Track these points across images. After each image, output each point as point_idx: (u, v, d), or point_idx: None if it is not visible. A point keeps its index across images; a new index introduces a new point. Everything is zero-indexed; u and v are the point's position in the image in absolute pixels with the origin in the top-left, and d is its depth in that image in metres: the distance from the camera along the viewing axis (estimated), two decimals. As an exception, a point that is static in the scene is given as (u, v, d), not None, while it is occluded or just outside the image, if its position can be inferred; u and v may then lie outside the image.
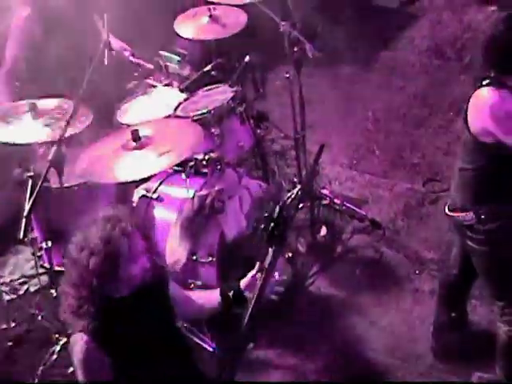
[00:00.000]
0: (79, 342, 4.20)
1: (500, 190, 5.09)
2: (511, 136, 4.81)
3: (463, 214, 5.20)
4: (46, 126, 5.75)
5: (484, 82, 4.88)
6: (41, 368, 5.91)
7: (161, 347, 4.47)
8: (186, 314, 4.87)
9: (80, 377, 4.22)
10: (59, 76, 6.41)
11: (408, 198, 7.16)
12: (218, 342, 5.59)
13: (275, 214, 4.66)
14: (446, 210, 5.34)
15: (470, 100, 4.94)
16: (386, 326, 6.21)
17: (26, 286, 6.43)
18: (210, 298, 4.78)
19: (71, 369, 5.43)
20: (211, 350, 5.67)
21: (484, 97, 4.86)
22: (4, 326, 6.25)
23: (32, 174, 5.89)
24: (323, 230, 6.88)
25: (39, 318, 6.17)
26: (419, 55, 8.61)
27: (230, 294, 4.59)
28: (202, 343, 5.77)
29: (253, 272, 4.51)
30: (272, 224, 4.53)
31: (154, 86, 6.74)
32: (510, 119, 4.80)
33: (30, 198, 5.69)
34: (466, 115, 4.94)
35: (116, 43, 6.76)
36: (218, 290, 4.69)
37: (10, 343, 6.17)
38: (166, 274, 4.64)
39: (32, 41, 6.49)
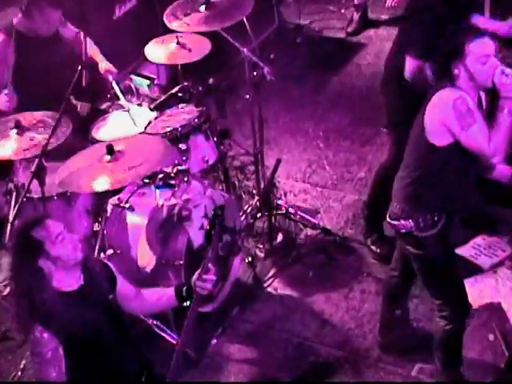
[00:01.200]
0: (37, 334, 4.29)
1: (437, 198, 5.12)
2: (467, 131, 4.86)
3: (403, 221, 5.24)
4: (30, 140, 5.76)
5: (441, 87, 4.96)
6: (23, 362, 5.92)
7: (102, 341, 4.49)
8: (140, 308, 4.94)
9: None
10: (36, 93, 6.42)
11: (356, 208, 7.15)
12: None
13: (211, 217, 4.76)
14: (388, 218, 5.38)
15: (431, 102, 4.97)
16: (336, 323, 6.23)
17: (8, 288, 6.39)
18: (166, 294, 4.80)
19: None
20: (174, 342, 5.68)
21: (448, 95, 4.91)
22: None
23: (16, 184, 5.95)
24: (280, 237, 6.87)
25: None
26: (364, 80, 8.64)
27: (183, 289, 4.62)
28: (167, 336, 5.79)
29: (199, 270, 4.55)
30: (210, 226, 4.64)
31: (126, 107, 6.64)
32: (468, 114, 4.84)
33: (14, 207, 5.72)
34: (421, 124, 4.99)
35: (106, 66, 6.81)
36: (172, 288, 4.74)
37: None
38: (109, 274, 4.65)
39: (6, 62, 6.48)
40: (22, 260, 4.37)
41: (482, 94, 5.26)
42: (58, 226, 4.40)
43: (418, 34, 5.96)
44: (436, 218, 5.15)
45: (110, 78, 6.80)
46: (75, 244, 4.43)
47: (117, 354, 4.55)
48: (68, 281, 4.43)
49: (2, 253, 6.50)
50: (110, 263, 4.77)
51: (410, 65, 5.92)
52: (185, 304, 4.76)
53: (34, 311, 4.33)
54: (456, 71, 4.89)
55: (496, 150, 4.90)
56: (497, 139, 4.86)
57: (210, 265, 4.55)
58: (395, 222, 5.30)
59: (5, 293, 6.25)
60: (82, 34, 6.43)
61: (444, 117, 4.90)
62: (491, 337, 5.75)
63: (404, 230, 5.24)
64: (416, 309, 6.17)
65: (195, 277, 4.57)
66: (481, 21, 6.28)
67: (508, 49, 7.97)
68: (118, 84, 6.81)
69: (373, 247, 6.75)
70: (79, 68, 5.91)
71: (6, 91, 6.39)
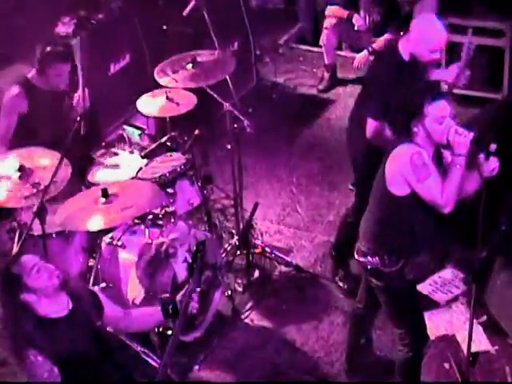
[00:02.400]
0: (31, 358, 4.31)
1: (400, 240, 5.16)
2: (422, 183, 4.91)
3: (370, 258, 5.26)
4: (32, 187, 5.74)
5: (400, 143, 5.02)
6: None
7: (92, 359, 4.53)
8: (128, 328, 5.03)
9: None
10: (42, 140, 6.42)
11: (325, 248, 7.14)
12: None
13: (194, 251, 4.80)
14: (355, 255, 5.41)
15: (391, 155, 5.02)
16: (307, 351, 6.23)
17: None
18: (154, 313, 4.84)
19: None
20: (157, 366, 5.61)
21: (406, 150, 4.96)
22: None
23: (19, 223, 5.95)
24: (256, 273, 6.85)
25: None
26: (333, 133, 8.66)
27: (170, 306, 4.65)
28: (152, 362, 5.72)
29: (184, 290, 4.62)
30: (192, 259, 4.69)
31: (118, 154, 6.68)
32: (424, 168, 4.89)
33: (18, 243, 5.72)
34: (383, 174, 5.04)
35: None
36: (159, 307, 4.75)
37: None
38: (95, 302, 4.66)
39: (15, 114, 6.48)
40: (6, 296, 4.41)
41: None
42: (31, 258, 4.47)
43: (377, 97, 6.02)
44: (399, 256, 5.20)
45: None
46: (50, 272, 4.47)
47: (101, 374, 4.56)
48: (54, 308, 4.46)
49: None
50: (97, 292, 4.81)
51: (370, 126, 5.96)
52: (169, 332, 4.81)
53: (24, 339, 4.36)
54: (415, 129, 4.95)
55: (448, 200, 4.94)
56: (449, 191, 4.91)
57: (193, 295, 4.61)
58: (362, 259, 5.33)
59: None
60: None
61: (402, 170, 4.95)
62: (446, 365, 5.84)
63: (370, 266, 5.28)
64: (379, 339, 6.17)
65: (180, 295, 4.62)
66: (434, 74, 6.39)
67: (463, 106, 8.11)
68: None
69: (340, 283, 6.75)
70: (78, 118, 5.98)
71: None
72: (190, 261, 4.86)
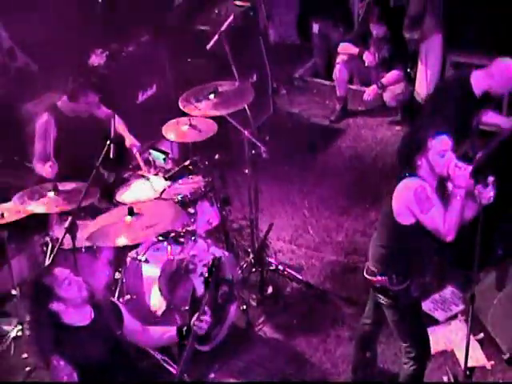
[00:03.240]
0: (55, 362, 4.36)
1: (406, 262, 5.20)
2: (425, 214, 4.95)
3: (378, 277, 5.30)
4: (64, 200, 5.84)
5: (405, 176, 5.06)
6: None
7: (113, 366, 4.56)
8: (145, 343, 5.03)
9: None
10: (72, 163, 6.49)
11: (334, 266, 7.16)
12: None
13: (210, 267, 4.82)
14: (365, 274, 5.43)
15: (396, 190, 5.07)
16: (315, 362, 6.23)
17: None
18: (169, 331, 4.86)
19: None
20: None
21: (411, 183, 5.01)
22: (25, 355, 6.16)
23: (51, 237, 6.01)
24: (270, 289, 6.85)
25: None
26: (344, 161, 8.67)
27: (184, 329, 4.68)
28: (171, 369, 5.70)
29: (197, 313, 4.63)
30: (207, 277, 4.71)
31: (145, 176, 6.72)
32: (427, 200, 4.93)
33: (49, 256, 5.78)
34: (390, 204, 5.07)
35: (131, 140, 6.91)
36: (175, 327, 4.80)
37: (28, 368, 6.06)
38: (116, 312, 4.72)
39: (49, 139, 6.59)
40: (35, 304, 4.45)
41: None
42: (63, 271, 4.51)
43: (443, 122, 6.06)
44: (405, 276, 5.23)
45: (135, 150, 6.89)
46: (80, 285, 4.53)
47: (121, 377, 4.60)
48: (79, 317, 4.51)
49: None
50: (119, 304, 4.84)
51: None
52: (185, 342, 4.83)
53: (48, 345, 4.41)
54: (419, 162, 5.00)
55: (450, 229, 4.97)
56: (450, 221, 4.94)
57: (206, 308, 4.63)
58: (371, 278, 5.36)
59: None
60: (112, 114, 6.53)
61: (407, 202, 5.00)
62: (445, 378, 5.83)
63: (378, 285, 5.32)
64: (383, 353, 6.17)
65: (194, 319, 4.64)
66: (489, 116, 6.47)
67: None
68: (140, 155, 6.91)
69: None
70: (108, 142, 6.04)
71: (49, 163, 6.48)
72: (206, 275, 4.88)
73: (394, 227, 5.17)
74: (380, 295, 5.36)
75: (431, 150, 5.01)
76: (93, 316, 4.56)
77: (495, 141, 6.33)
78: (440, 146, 5.01)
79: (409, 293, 5.28)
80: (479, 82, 6.15)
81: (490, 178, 5.06)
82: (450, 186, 5.34)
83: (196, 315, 4.66)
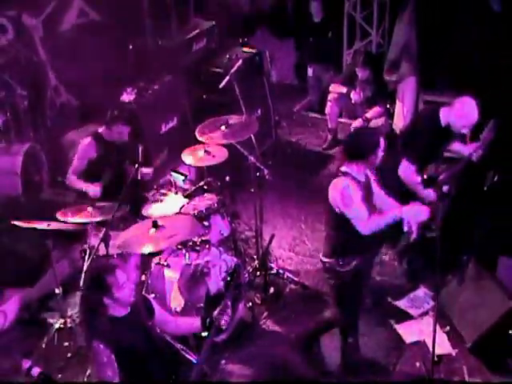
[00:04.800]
0: (95, 346, 4.39)
1: (349, 245, 5.35)
2: (348, 208, 5.15)
3: (329, 260, 5.47)
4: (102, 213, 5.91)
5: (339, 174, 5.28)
6: (88, 371, 5.89)
7: (143, 350, 4.58)
8: (173, 331, 5.05)
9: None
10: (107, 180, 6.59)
11: None
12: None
13: (231, 275, 4.89)
14: (321, 257, 5.58)
15: (331, 185, 5.28)
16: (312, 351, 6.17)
17: (79, 318, 6.37)
18: (193, 322, 4.92)
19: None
20: (195, 361, 5.57)
21: (338, 182, 5.23)
22: (66, 344, 6.23)
23: (89, 245, 6.07)
24: (271, 290, 6.85)
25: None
26: None
27: (207, 320, 4.74)
28: (189, 357, 5.66)
29: (219, 308, 4.73)
30: (229, 280, 4.77)
31: (166, 194, 6.76)
32: (349, 197, 5.13)
33: (87, 261, 5.83)
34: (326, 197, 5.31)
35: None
36: (199, 318, 4.85)
37: (69, 355, 6.16)
38: (147, 305, 4.75)
39: (86, 159, 6.66)
40: (93, 295, 4.47)
41: None
42: (123, 276, 4.52)
43: (416, 148, 6.25)
44: (350, 259, 5.38)
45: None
46: (131, 291, 4.55)
47: (149, 363, 4.60)
48: (119, 311, 4.54)
49: (76, 294, 6.59)
50: (150, 298, 4.88)
51: (405, 166, 6.26)
52: (203, 334, 4.86)
53: (92, 331, 4.46)
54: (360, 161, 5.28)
55: (368, 228, 5.18)
56: (374, 224, 5.18)
57: (228, 303, 4.73)
58: (325, 259, 5.52)
59: (77, 321, 6.32)
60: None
61: (335, 196, 5.20)
62: (418, 364, 5.83)
63: (329, 266, 5.47)
64: (365, 344, 6.14)
65: (216, 313, 4.68)
66: (455, 145, 6.55)
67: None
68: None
69: None
70: (136, 166, 6.10)
71: (99, 184, 6.56)
72: (228, 279, 4.95)
73: (331, 217, 5.36)
74: (329, 276, 5.54)
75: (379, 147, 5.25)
76: (129, 308, 4.59)
77: (459, 165, 6.37)
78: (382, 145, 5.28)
79: (353, 274, 5.43)
80: (445, 116, 6.19)
81: (445, 188, 5.16)
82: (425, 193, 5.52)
83: (218, 309, 4.72)
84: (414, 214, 5.16)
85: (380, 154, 5.31)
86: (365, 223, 5.17)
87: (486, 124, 7.50)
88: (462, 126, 6.16)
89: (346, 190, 5.18)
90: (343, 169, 5.32)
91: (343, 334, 5.87)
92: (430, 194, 6.14)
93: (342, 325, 5.74)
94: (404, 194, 5.96)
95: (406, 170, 6.20)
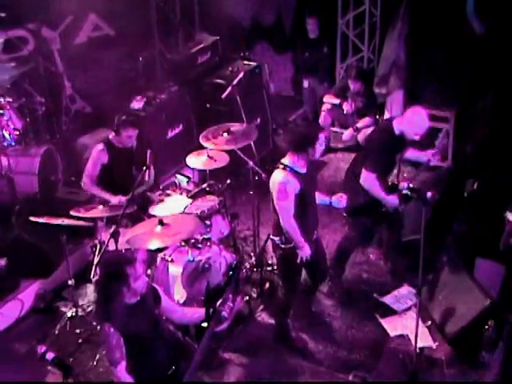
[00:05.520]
0: (106, 329, 4.41)
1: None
2: (280, 201, 5.44)
3: (277, 238, 5.70)
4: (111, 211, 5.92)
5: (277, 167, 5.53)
6: (98, 356, 5.97)
7: (150, 336, 4.60)
8: (179, 319, 5.04)
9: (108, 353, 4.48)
10: (114, 181, 6.59)
11: None
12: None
13: (233, 270, 4.91)
14: (271, 236, 5.81)
15: (272, 176, 5.53)
16: (304, 341, 6.21)
17: (90, 308, 6.43)
18: (197, 312, 4.95)
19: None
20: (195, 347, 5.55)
21: (278, 175, 5.50)
22: (77, 331, 6.26)
23: (99, 241, 6.09)
24: (267, 285, 6.83)
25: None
26: (326, 186, 8.36)
27: (210, 310, 4.75)
28: (192, 344, 5.72)
29: (220, 300, 4.72)
30: (231, 275, 4.79)
31: (171, 195, 6.73)
32: (283, 191, 5.39)
33: (98, 255, 5.86)
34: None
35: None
36: (204, 308, 4.88)
37: (80, 341, 6.18)
38: (155, 294, 4.76)
39: (99, 164, 6.63)
40: (112, 282, 4.48)
41: None
42: (140, 268, 4.53)
43: (374, 157, 6.21)
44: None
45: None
46: (146, 283, 4.59)
47: (154, 350, 4.61)
48: (131, 298, 4.55)
49: (87, 285, 6.63)
50: (158, 287, 4.86)
51: (365, 176, 6.20)
52: (204, 324, 4.87)
53: (104, 315, 4.48)
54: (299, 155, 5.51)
55: (288, 227, 5.50)
56: (292, 229, 5.50)
57: (230, 296, 4.75)
58: (274, 238, 5.73)
59: (88, 310, 6.35)
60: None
61: (273, 187, 5.46)
62: (400, 355, 5.86)
63: (277, 242, 5.69)
64: (353, 337, 6.23)
65: (218, 303, 4.70)
66: (410, 152, 6.54)
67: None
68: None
69: (335, 294, 6.74)
70: (144, 168, 6.12)
71: (122, 197, 6.44)
72: (231, 273, 4.98)
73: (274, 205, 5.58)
74: (277, 251, 5.81)
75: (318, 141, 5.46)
76: (139, 296, 4.60)
77: (438, 174, 6.43)
78: (321, 140, 5.47)
79: (295, 250, 5.64)
80: (398, 125, 6.19)
81: (429, 194, 5.22)
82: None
83: (220, 301, 4.72)
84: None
85: (319, 148, 5.52)
86: (287, 219, 5.48)
87: (440, 131, 7.57)
88: (414, 134, 6.16)
89: (283, 185, 5.41)
90: (284, 161, 5.54)
91: (280, 312, 6.07)
92: (393, 199, 6.21)
93: (281, 301, 5.92)
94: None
95: (367, 179, 6.17)
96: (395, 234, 6.76)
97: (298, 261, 5.69)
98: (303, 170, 5.55)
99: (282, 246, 5.70)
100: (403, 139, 6.21)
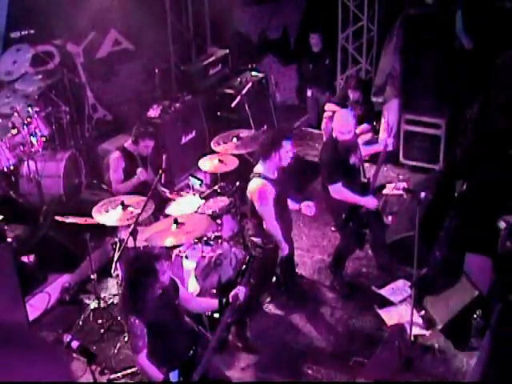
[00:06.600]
0: (131, 320, 4.44)
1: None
2: (260, 206, 5.51)
3: (256, 238, 5.78)
4: (130, 212, 5.91)
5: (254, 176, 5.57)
6: (118, 344, 5.99)
7: (171, 325, 4.64)
8: (194, 308, 5.07)
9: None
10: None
11: (320, 263, 7.14)
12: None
13: (246, 264, 4.92)
14: (251, 237, 5.86)
15: (249, 184, 5.57)
16: (306, 331, 6.23)
17: (111, 300, 6.47)
18: (211, 302, 4.99)
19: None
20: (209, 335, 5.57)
21: (256, 182, 5.56)
22: (100, 321, 6.30)
23: (119, 239, 6.12)
24: (273, 279, 6.69)
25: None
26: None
27: (223, 300, 4.77)
28: (205, 332, 5.63)
29: (232, 292, 4.74)
30: (245, 268, 4.81)
31: (185, 196, 6.75)
32: (264, 197, 5.47)
33: (118, 252, 5.88)
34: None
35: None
36: (217, 299, 4.90)
37: (102, 330, 6.22)
38: (174, 285, 4.79)
39: (120, 169, 6.63)
40: (140, 276, 4.50)
41: None
42: (166, 264, 4.58)
43: (327, 169, 6.29)
44: (270, 239, 5.71)
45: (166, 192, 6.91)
46: (169, 276, 4.64)
47: (175, 336, 4.65)
48: (157, 291, 4.59)
49: (109, 279, 6.63)
50: (176, 279, 4.89)
51: (331, 189, 6.25)
52: (216, 315, 4.89)
53: (130, 307, 4.51)
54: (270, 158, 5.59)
55: (272, 229, 5.60)
56: (275, 231, 5.59)
57: (242, 287, 4.76)
58: (253, 238, 5.80)
59: (109, 302, 6.37)
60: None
61: (252, 195, 5.51)
62: (396, 343, 5.86)
63: (256, 242, 5.75)
64: (353, 326, 6.23)
65: (232, 294, 4.73)
66: (364, 149, 6.54)
67: (413, 172, 8.15)
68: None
69: (337, 287, 6.71)
70: (160, 171, 6.14)
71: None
72: (244, 267, 5.01)
73: (252, 207, 5.67)
74: (255, 249, 5.79)
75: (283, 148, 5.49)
76: (161, 290, 4.63)
77: (379, 161, 6.38)
78: (286, 147, 5.52)
79: (274, 249, 5.69)
80: (335, 131, 6.20)
81: (422, 194, 5.21)
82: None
83: (233, 291, 4.75)
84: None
85: (285, 155, 5.53)
86: (270, 221, 5.54)
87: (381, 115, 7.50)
88: (347, 132, 6.13)
89: (263, 191, 5.47)
90: (256, 169, 5.59)
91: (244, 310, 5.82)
92: (370, 199, 6.18)
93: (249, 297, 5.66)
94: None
95: (335, 191, 6.14)
96: (378, 231, 6.71)
97: (279, 260, 5.69)
98: (274, 176, 5.57)
99: (263, 246, 5.69)
100: (347, 143, 6.16)
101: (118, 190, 6.62)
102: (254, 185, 5.52)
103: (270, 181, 5.51)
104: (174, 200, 6.64)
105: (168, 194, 6.74)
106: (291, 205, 6.00)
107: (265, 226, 5.58)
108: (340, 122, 6.14)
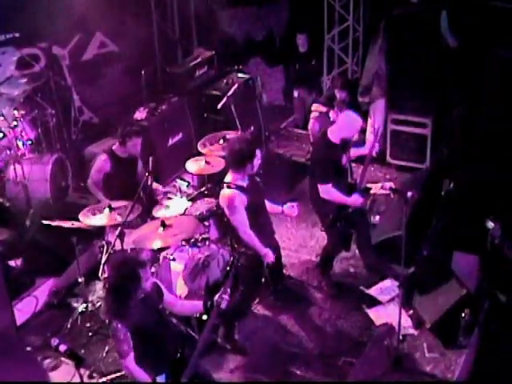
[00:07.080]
0: (114, 325, 4.41)
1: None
2: (233, 216, 5.44)
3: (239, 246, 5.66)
4: (118, 215, 5.89)
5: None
6: (107, 347, 5.94)
7: (157, 329, 4.58)
8: (180, 311, 5.04)
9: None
10: (120, 189, 6.53)
11: (308, 264, 7.12)
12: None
13: (230, 266, 4.90)
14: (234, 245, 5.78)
15: (221, 192, 5.50)
16: (294, 331, 6.21)
17: (99, 303, 6.40)
18: (196, 304, 4.94)
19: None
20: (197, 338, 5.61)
21: (226, 193, 5.46)
22: (88, 324, 6.24)
23: (106, 241, 6.08)
24: (262, 280, 6.74)
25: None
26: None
27: (208, 303, 4.73)
28: (193, 334, 5.75)
29: (218, 294, 4.69)
30: (229, 270, 4.78)
31: (172, 198, 6.69)
32: (233, 207, 5.38)
33: (105, 254, 5.86)
34: None
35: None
36: (202, 301, 4.84)
37: (90, 334, 6.16)
38: (158, 290, 4.73)
39: (102, 172, 6.58)
40: (125, 282, 4.45)
41: None
42: (149, 272, 4.57)
43: (320, 169, 6.20)
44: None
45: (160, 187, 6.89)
46: (152, 283, 4.63)
47: (161, 339, 4.61)
48: (139, 296, 4.55)
49: (96, 282, 6.60)
50: (160, 283, 4.83)
51: (321, 189, 6.17)
52: (204, 317, 4.86)
53: (113, 312, 4.47)
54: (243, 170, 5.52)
55: (246, 237, 5.49)
56: (250, 239, 5.51)
57: (228, 289, 4.70)
58: (236, 246, 5.72)
59: (97, 305, 6.33)
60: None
61: (223, 205, 5.45)
62: (386, 342, 5.85)
63: (239, 250, 5.66)
64: (341, 326, 6.22)
65: (216, 296, 4.69)
66: (352, 151, 6.48)
67: (400, 172, 8.17)
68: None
69: (325, 288, 6.71)
70: (146, 174, 6.11)
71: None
72: (228, 268, 4.97)
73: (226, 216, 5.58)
74: (241, 256, 5.61)
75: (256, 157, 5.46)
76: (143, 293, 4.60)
77: (366, 163, 6.36)
78: (258, 156, 5.52)
79: (252, 257, 5.61)
80: (334, 134, 6.15)
81: (409, 193, 5.20)
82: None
83: (218, 294, 4.70)
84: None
85: (256, 163, 5.51)
86: (243, 230, 5.46)
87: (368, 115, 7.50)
88: (352, 135, 6.17)
89: (232, 201, 5.39)
90: (226, 179, 5.51)
91: (234, 314, 5.84)
92: (356, 199, 6.18)
93: (237, 302, 5.73)
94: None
95: (325, 191, 6.12)
96: (363, 231, 6.69)
97: (265, 265, 5.68)
98: (246, 183, 5.53)
99: (246, 251, 5.61)
100: (343, 145, 6.16)
101: (89, 186, 6.62)
102: (224, 195, 5.46)
103: (241, 189, 5.45)
104: (162, 202, 6.59)
105: (161, 188, 6.72)
106: (273, 208, 5.93)
107: (239, 235, 5.52)
108: (349, 123, 6.13)
